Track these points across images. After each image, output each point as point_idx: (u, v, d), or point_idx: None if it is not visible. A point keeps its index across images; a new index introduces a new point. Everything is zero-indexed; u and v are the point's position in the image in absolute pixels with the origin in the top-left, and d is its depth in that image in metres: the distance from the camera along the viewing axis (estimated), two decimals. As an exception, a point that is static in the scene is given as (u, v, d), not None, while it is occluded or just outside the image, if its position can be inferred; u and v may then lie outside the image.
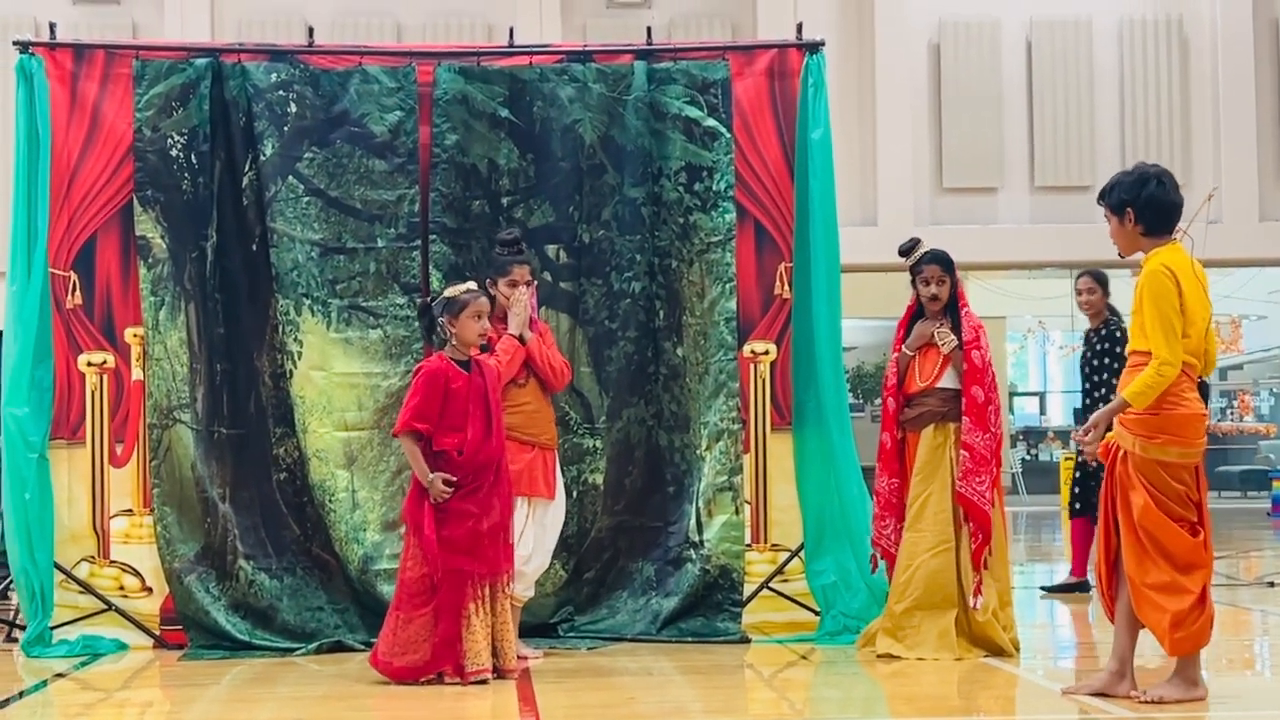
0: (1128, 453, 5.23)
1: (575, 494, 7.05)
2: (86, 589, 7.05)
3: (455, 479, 5.97)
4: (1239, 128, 16.63)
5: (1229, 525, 16.28)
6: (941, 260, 6.66)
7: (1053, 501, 20.82)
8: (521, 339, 6.55)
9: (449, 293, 6.20)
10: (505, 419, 6.51)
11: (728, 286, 7.29)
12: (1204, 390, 5.27)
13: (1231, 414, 22.21)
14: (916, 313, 6.75)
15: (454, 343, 6.15)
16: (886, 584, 6.65)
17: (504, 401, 6.53)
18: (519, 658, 6.39)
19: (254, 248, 7.22)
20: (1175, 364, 5.14)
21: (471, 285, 6.27)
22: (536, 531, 6.56)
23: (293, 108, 7.24)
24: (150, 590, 7.09)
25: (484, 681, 5.88)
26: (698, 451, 7.29)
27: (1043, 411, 28.81)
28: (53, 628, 6.89)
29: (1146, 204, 5.32)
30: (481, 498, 6.02)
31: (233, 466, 7.16)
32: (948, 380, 6.59)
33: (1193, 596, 5.16)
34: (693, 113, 7.35)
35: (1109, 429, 5.31)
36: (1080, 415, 10.15)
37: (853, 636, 6.83)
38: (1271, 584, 9.60)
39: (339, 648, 6.85)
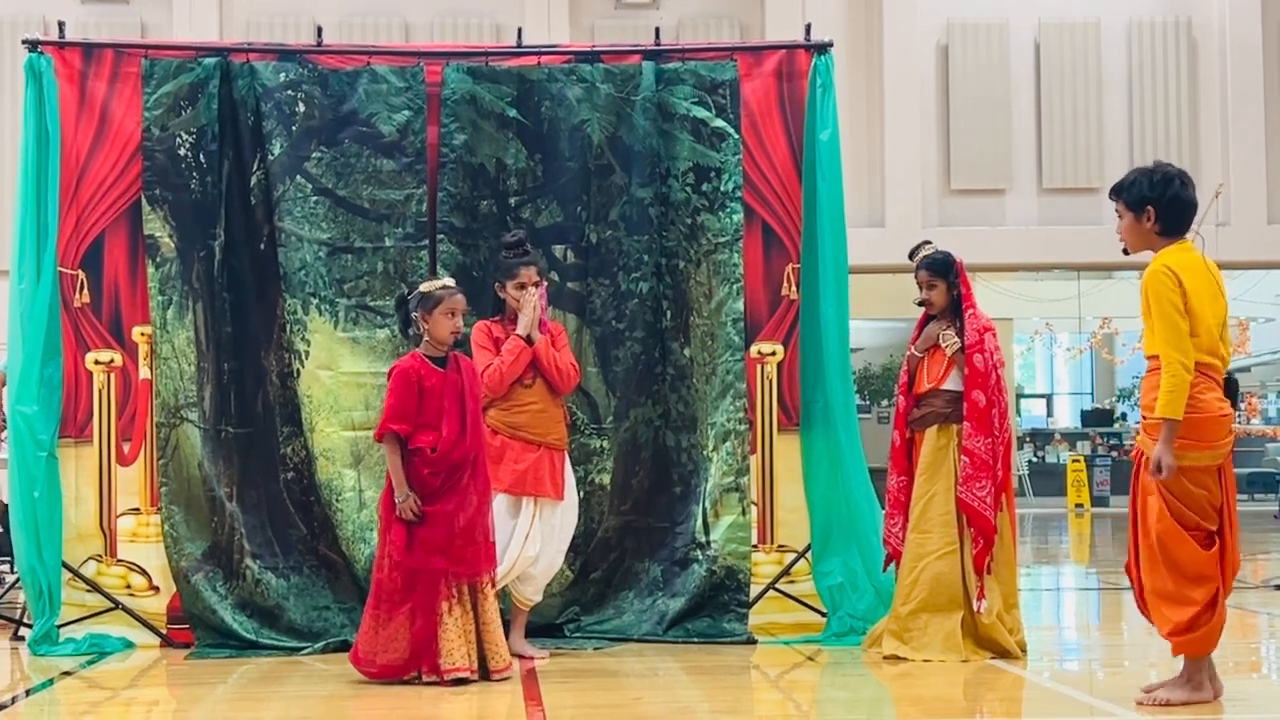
0: (1150, 457, 5.14)
1: (582, 494, 7.04)
2: (93, 587, 7.06)
3: (422, 508, 5.94)
4: (1248, 130, 16.62)
5: (1236, 528, 16.22)
6: (929, 266, 6.66)
7: (1059, 504, 20.81)
8: (529, 340, 6.55)
9: (424, 287, 6.13)
10: (511, 419, 6.51)
11: (735, 287, 7.28)
12: (1233, 387, 5.16)
13: (1239, 417, 22.20)
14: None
15: (427, 339, 6.11)
16: (894, 584, 6.64)
17: (510, 401, 6.53)
18: (525, 658, 6.39)
19: (262, 247, 7.22)
20: (1186, 360, 5.02)
21: (448, 282, 6.19)
22: (544, 532, 6.55)
23: (301, 107, 7.24)
24: (157, 589, 7.10)
25: (462, 681, 5.85)
26: (705, 452, 7.28)
27: (1050, 413, 28.78)
28: (59, 626, 6.90)
29: (1170, 204, 5.20)
30: (458, 495, 5.99)
31: (240, 465, 7.17)
32: (952, 382, 6.57)
33: (1197, 608, 5.09)
34: (701, 113, 7.35)
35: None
36: None
37: (859, 638, 6.82)
38: (1278, 587, 9.57)
39: (345, 647, 6.81)
